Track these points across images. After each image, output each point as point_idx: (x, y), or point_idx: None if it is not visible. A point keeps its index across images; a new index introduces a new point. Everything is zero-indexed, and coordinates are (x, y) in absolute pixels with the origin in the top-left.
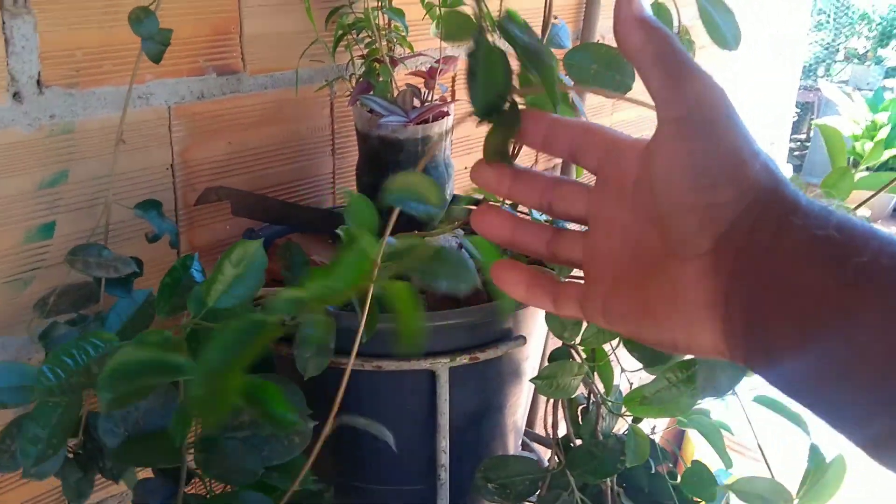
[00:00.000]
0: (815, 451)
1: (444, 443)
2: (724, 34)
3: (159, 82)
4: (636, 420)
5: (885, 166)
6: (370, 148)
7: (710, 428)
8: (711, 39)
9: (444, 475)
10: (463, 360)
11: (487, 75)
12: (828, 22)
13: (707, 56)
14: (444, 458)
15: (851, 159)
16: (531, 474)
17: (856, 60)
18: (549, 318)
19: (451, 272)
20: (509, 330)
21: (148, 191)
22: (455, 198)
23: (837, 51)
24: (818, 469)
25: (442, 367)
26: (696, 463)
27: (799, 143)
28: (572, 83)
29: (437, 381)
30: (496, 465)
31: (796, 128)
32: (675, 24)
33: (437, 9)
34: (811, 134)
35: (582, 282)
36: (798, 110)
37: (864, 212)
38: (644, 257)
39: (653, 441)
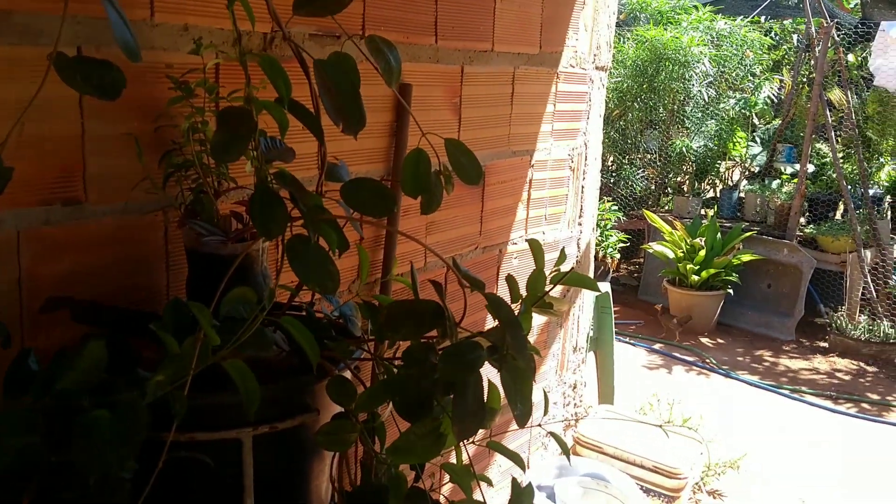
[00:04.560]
0: (515, 483)
1: (249, 501)
2: (470, 173)
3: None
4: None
5: (705, 284)
6: (196, 263)
7: (459, 471)
8: (458, 177)
9: None
10: (264, 429)
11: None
12: (656, 161)
13: None
14: None
15: (677, 279)
16: None
17: (677, 193)
18: (328, 387)
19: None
20: (307, 405)
21: None
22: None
23: (665, 185)
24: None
25: (246, 435)
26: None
27: (637, 266)
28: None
29: (242, 448)
30: None
31: (632, 252)
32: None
33: (252, 152)
34: (645, 258)
35: None
36: (631, 237)
37: None
38: None
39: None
